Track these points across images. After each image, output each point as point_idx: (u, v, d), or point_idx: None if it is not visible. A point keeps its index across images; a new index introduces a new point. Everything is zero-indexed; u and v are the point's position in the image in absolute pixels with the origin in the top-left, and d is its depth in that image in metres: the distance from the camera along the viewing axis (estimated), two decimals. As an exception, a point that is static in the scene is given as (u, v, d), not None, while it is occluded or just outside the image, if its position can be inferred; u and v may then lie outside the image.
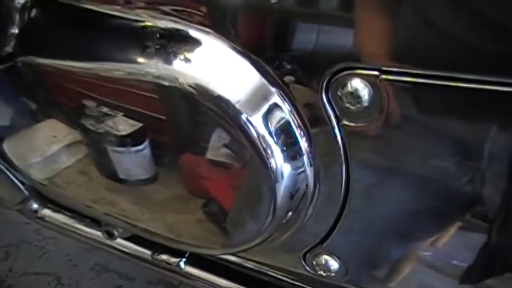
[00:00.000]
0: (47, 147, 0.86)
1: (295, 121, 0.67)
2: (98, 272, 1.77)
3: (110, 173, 0.80)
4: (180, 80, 0.65)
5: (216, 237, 0.78)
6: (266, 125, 0.65)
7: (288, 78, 0.65)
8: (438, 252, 0.73)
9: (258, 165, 0.66)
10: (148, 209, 0.84)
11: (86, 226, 1.09)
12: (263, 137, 0.65)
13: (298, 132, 0.67)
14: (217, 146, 0.68)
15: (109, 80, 0.70)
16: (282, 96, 0.66)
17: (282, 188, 0.67)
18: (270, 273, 0.96)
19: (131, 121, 0.73)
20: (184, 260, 1.07)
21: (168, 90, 0.66)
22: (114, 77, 0.69)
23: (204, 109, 0.65)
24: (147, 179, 0.79)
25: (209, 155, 0.70)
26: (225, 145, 0.68)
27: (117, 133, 0.75)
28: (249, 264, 0.98)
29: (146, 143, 0.74)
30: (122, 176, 0.80)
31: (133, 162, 0.76)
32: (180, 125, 0.72)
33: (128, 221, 0.87)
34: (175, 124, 0.72)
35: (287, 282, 0.95)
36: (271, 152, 0.65)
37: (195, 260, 1.08)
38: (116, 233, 0.99)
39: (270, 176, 0.66)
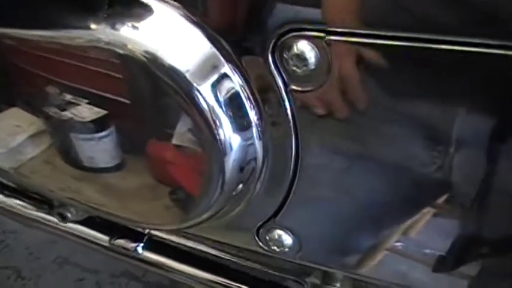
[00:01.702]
0: (11, 138, 0.84)
1: (245, 92, 0.66)
2: (60, 265, 1.75)
3: (76, 162, 0.78)
4: (129, 46, 0.63)
5: (169, 212, 0.75)
6: (215, 96, 0.64)
7: (237, 46, 0.64)
8: (400, 235, 0.72)
9: (206, 136, 0.65)
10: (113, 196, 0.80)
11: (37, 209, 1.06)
12: (212, 107, 0.64)
13: (247, 104, 0.66)
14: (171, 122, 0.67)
15: (61, 50, 0.69)
16: (232, 66, 0.65)
17: (230, 160, 0.66)
18: (226, 257, 0.93)
19: (95, 108, 0.72)
20: (142, 245, 1.05)
21: (120, 58, 0.64)
22: (66, 44, 0.67)
23: (154, 79, 0.64)
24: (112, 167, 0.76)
25: (164, 132, 0.69)
26: (174, 116, 0.66)
27: (81, 119, 0.73)
28: (205, 248, 0.95)
29: (111, 129, 0.72)
30: (86, 165, 0.78)
31: (97, 149, 0.74)
32: (137, 101, 0.70)
33: (90, 206, 0.84)
34: (133, 101, 0.70)
35: (242, 264, 0.93)
36: (220, 123, 0.64)
37: (153, 245, 1.05)
38: (69, 215, 0.96)
39: (219, 148, 0.65)
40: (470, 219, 0.67)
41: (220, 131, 0.65)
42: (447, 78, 0.57)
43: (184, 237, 1.02)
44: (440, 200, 0.68)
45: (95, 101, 0.71)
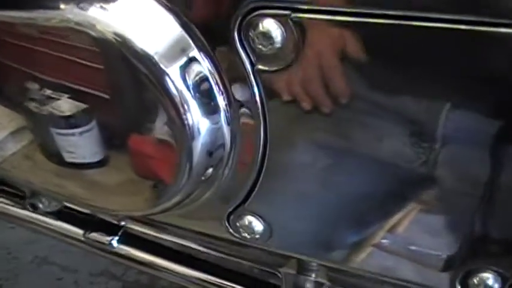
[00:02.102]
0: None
1: (214, 77, 0.66)
2: (38, 265, 1.73)
3: (58, 158, 0.77)
4: (98, 27, 0.63)
5: (138, 197, 0.74)
6: (184, 79, 0.64)
7: (204, 27, 0.64)
8: (377, 227, 0.72)
9: (174, 120, 0.65)
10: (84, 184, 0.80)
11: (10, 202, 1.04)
12: (180, 91, 0.64)
13: (216, 89, 0.66)
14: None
15: (36, 38, 0.69)
16: (201, 50, 0.65)
17: (198, 145, 0.66)
18: (200, 248, 0.92)
19: (75, 102, 0.71)
20: (117, 238, 1.04)
21: (91, 42, 0.64)
22: (39, 28, 0.68)
23: (125, 62, 0.64)
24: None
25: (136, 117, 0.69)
26: (145, 101, 0.66)
27: (61, 114, 0.73)
28: (179, 241, 0.94)
29: (92, 123, 0.72)
30: (69, 160, 0.77)
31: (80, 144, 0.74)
32: (112, 89, 0.70)
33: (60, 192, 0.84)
34: (108, 89, 0.70)
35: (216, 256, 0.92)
36: (188, 107, 0.64)
37: (129, 239, 1.04)
38: (40, 205, 0.95)
39: (186, 132, 0.65)
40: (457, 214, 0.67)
41: (188, 115, 0.64)
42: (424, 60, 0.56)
43: (160, 230, 1.01)
44: (422, 195, 0.67)
45: (71, 92, 0.70)
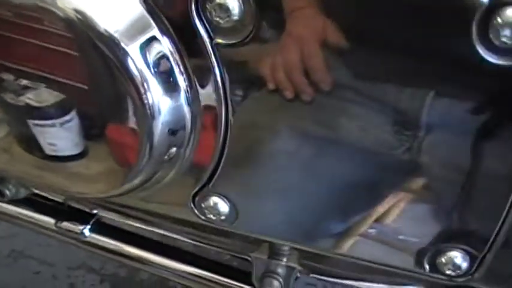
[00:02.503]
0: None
1: (174, 56, 0.65)
2: (15, 259, 1.72)
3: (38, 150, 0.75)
4: (59, 3, 0.62)
5: (101, 178, 0.74)
6: (144, 58, 0.64)
7: (164, 3, 0.63)
8: (342, 209, 0.72)
9: (134, 99, 0.64)
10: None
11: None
12: (140, 70, 0.63)
13: (176, 68, 0.66)
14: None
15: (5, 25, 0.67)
16: (161, 29, 0.64)
17: (158, 124, 0.66)
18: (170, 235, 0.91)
19: (54, 92, 0.70)
20: (88, 227, 1.03)
21: (56, 20, 0.63)
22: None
23: (87, 41, 0.63)
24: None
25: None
26: (108, 80, 0.65)
27: (40, 105, 0.71)
28: (152, 229, 0.93)
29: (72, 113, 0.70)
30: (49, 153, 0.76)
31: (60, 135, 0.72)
32: (80, 72, 0.68)
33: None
34: (78, 73, 0.69)
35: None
36: (148, 86, 0.64)
37: (101, 228, 1.03)
38: (7, 192, 0.93)
39: (146, 111, 0.65)
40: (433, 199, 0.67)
41: (148, 94, 0.64)
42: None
43: (133, 218, 0.99)
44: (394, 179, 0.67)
45: (46, 80, 0.69)
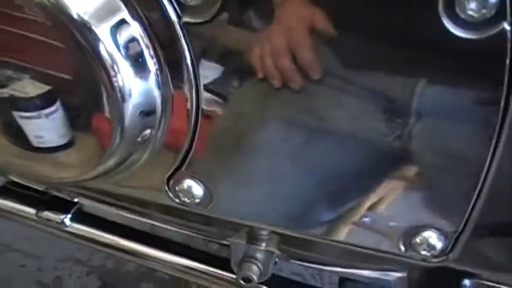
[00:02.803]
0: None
1: (144, 39, 0.65)
2: (2, 252, 1.71)
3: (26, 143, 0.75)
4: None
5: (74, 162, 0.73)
6: (114, 41, 0.64)
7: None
8: (316, 192, 0.72)
9: (105, 82, 0.64)
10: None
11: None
12: (110, 53, 0.63)
13: (146, 51, 0.66)
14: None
15: None
16: (131, 11, 0.65)
17: (129, 107, 0.66)
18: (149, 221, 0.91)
19: (38, 82, 0.69)
20: (69, 216, 1.02)
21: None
22: None
23: (59, 25, 0.63)
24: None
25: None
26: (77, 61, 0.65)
27: (25, 95, 0.71)
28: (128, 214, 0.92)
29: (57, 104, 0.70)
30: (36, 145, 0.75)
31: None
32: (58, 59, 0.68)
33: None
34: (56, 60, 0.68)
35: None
36: (118, 69, 0.64)
37: (81, 217, 1.02)
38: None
39: (116, 94, 0.65)
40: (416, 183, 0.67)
41: (119, 77, 0.64)
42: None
43: (114, 207, 0.99)
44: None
45: (29, 71, 0.69)
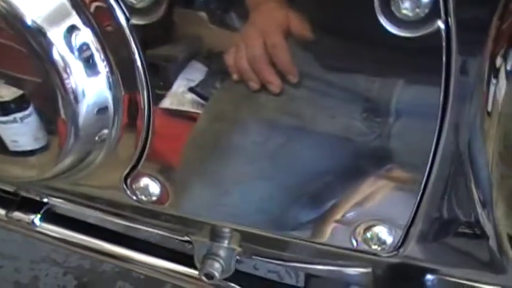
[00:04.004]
0: None
1: (94, 42, 0.67)
2: (-23, 254, 1.70)
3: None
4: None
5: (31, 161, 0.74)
6: (65, 45, 0.66)
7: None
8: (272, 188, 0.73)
9: (57, 84, 0.66)
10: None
11: None
12: (62, 56, 0.65)
13: (97, 54, 0.67)
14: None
15: None
16: (81, 16, 0.66)
17: (82, 107, 0.67)
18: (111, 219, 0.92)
19: (10, 86, 0.70)
20: (39, 216, 1.03)
21: None
22: None
23: (14, 30, 0.64)
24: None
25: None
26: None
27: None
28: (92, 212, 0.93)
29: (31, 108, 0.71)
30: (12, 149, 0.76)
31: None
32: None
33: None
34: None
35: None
36: (70, 72, 0.66)
37: (52, 217, 1.03)
38: None
39: (69, 96, 0.66)
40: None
41: (71, 79, 0.66)
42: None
43: (83, 206, 0.99)
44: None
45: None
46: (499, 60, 0.54)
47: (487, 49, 0.54)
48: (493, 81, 0.55)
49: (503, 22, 0.52)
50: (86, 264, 1.73)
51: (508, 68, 0.54)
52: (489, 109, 0.57)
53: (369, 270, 0.82)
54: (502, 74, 0.55)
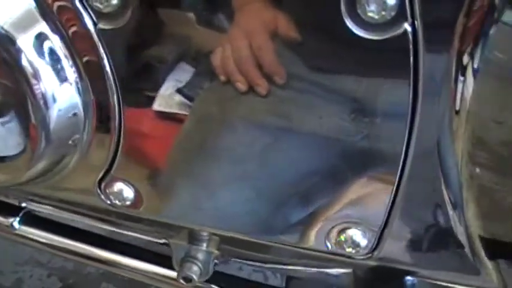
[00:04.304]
0: None
1: (63, 48, 0.67)
2: (-43, 256, 1.69)
3: None
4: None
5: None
6: (34, 51, 0.66)
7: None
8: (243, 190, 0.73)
9: (26, 91, 0.66)
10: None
11: None
12: (31, 62, 0.66)
13: (65, 60, 0.68)
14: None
15: None
16: (50, 23, 0.67)
17: (53, 113, 0.68)
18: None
19: None
20: (18, 219, 1.02)
21: None
22: None
23: None
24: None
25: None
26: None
27: None
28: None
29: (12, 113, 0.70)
30: None
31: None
32: None
33: None
34: None
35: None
36: (39, 78, 0.66)
37: (31, 220, 1.03)
38: None
39: (39, 102, 0.67)
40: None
41: (41, 85, 0.66)
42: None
43: (62, 209, 0.99)
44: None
45: None
46: (466, 58, 0.54)
47: (454, 47, 0.54)
48: (461, 78, 0.55)
49: (469, 20, 0.52)
50: (70, 265, 1.73)
51: (475, 65, 0.54)
52: (457, 108, 0.57)
53: (349, 271, 0.81)
54: (469, 72, 0.55)
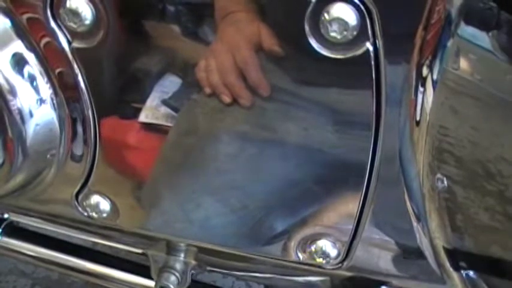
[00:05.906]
0: None
1: (38, 66, 0.70)
2: None
3: None
4: None
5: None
6: (10, 68, 0.68)
7: (21, 6, 0.66)
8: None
9: (3, 106, 0.68)
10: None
11: None
12: (6, 78, 0.67)
13: (40, 78, 0.70)
14: None
15: None
16: (24, 41, 0.69)
17: (29, 127, 0.70)
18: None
19: None
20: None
21: None
22: None
23: None
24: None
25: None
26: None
27: None
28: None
29: None
30: None
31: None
32: None
33: None
34: None
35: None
36: (15, 94, 0.68)
37: (13, 231, 1.03)
38: None
39: (16, 117, 0.69)
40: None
41: (17, 101, 0.68)
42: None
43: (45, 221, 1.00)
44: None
45: None
46: (425, 70, 0.57)
47: (414, 59, 0.56)
48: (421, 89, 0.58)
49: (427, 33, 0.54)
50: (55, 275, 1.73)
51: (434, 77, 0.56)
52: (417, 118, 0.58)
53: (327, 279, 0.82)
54: (429, 83, 0.57)
